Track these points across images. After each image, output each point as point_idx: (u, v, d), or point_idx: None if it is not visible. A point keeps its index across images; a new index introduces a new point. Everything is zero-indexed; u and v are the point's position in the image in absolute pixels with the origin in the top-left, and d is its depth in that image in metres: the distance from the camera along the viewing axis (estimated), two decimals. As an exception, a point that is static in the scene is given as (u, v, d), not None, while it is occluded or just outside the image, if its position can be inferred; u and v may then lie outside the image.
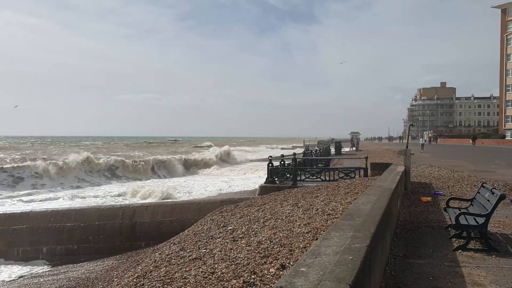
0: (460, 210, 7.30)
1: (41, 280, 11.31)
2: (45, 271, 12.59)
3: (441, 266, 5.46)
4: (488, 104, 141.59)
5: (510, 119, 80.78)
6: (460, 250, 6.18)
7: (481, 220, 6.34)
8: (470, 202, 8.11)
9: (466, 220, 6.55)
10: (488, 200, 6.71)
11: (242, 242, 6.95)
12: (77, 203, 20.63)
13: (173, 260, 7.06)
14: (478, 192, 7.92)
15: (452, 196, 9.99)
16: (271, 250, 5.93)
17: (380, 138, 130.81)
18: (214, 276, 5.33)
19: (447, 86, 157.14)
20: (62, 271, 12.26)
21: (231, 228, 8.70)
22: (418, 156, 29.12)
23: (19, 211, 16.07)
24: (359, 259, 2.98)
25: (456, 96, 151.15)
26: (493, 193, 6.66)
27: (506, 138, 75.35)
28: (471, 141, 63.28)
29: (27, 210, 16.10)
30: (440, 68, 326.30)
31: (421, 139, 59.54)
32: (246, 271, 5.17)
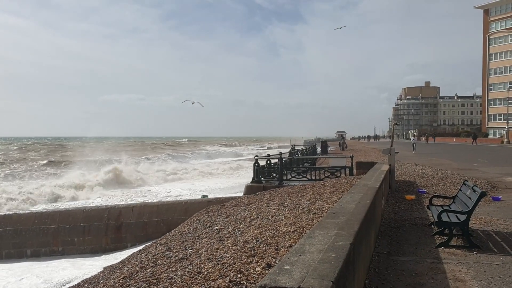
0: (442, 208, 7.42)
1: (25, 282, 11.18)
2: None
3: (424, 263, 5.55)
4: (471, 103, 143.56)
5: (492, 117, 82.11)
6: (442, 247, 6.29)
7: (462, 217, 6.45)
8: (452, 200, 8.25)
9: (448, 217, 6.67)
10: (470, 198, 6.83)
11: (228, 241, 6.98)
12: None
13: (159, 261, 7.06)
14: (460, 189, 8.06)
15: (435, 194, 10.14)
16: (257, 249, 5.97)
17: (368, 137, 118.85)
18: (200, 276, 5.35)
19: (431, 85, 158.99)
20: (47, 271, 12.13)
21: (217, 228, 8.71)
22: (402, 155, 29.44)
23: (2, 214, 15.85)
24: (342, 257, 3.02)
25: (440, 95, 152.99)
26: (474, 191, 6.78)
27: (489, 137, 76.56)
28: (472, 140, 60.87)
29: (11, 213, 15.90)
30: (424, 67, 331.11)
31: (412, 138, 49.51)
32: (233, 271, 5.20)
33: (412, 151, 36.19)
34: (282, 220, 7.81)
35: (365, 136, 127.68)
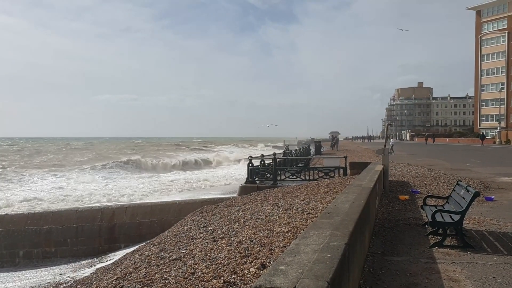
0: (436, 208, 7.44)
1: (17, 284, 11.09)
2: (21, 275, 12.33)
3: (418, 263, 5.56)
4: (464, 104, 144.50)
5: (485, 118, 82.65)
6: (436, 247, 6.31)
7: (456, 217, 6.47)
8: (446, 200, 8.27)
9: (442, 217, 6.69)
10: (463, 198, 6.86)
11: (223, 242, 6.95)
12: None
13: (153, 261, 7.02)
14: (453, 189, 8.08)
15: (429, 194, 10.18)
16: (252, 250, 5.95)
17: (363, 138, 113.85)
18: (194, 276, 5.32)
19: (424, 86, 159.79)
20: (39, 274, 12.03)
21: (211, 228, 8.68)
22: (397, 155, 29.55)
23: (-6, 214, 15.69)
24: (337, 257, 3.02)
25: (433, 96, 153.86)
26: (468, 191, 6.80)
27: (479, 138, 76.98)
28: (480, 140, 59.51)
29: (3, 213, 15.75)
30: (417, 68, 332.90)
31: (391, 140, 45.36)
32: (227, 271, 5.17)
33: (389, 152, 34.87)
34: (276, 220, 7.79)
35: (358, 137, 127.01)
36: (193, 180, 30.45)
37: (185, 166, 46.12)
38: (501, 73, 79.76)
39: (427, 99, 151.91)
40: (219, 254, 6.10)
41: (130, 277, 6.34)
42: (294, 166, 20.23)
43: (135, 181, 30.99)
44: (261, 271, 4.97)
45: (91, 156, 60.26)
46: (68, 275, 11.33)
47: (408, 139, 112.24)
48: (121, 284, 6.08)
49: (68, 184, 28.65)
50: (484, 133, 69.86)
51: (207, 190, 25.43)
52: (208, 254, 6.29)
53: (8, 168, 39.51)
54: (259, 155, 19.16)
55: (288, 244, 5.79)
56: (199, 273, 5.37)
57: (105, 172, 37.29)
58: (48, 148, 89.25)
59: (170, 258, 6.82)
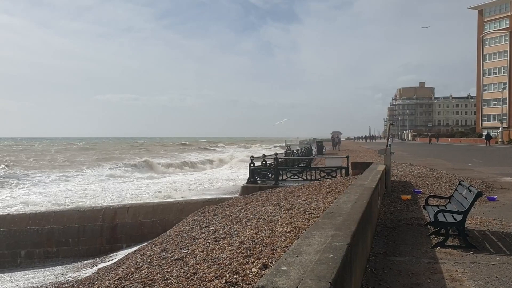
0: (438, 208, 7.42)
1: (19, 284, 11.10)
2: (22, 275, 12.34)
3: (421, 263, 5.54)
4: (466, 104, 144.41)
5: (487, 118, 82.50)
6: (439, 247, 6.29)
7: (458, 217, 6.45)
8: (448, 200, 8.24)
9: (445, 217, 6.66)
10: (466, 198, 6.83)
11: (224, 242, 6.95)
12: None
13: (154, 261, 7.02)
14: (456, 189, 8.06)
15: (431, 194, 10.14)
16: (253, 250, 5.93)
17: (365, 138, 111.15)
18: (196, 276, 5.32)
19: (425, 86, 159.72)
20: (40, 274, 12.04)
21: (213, 228, 8.68)
22: (398, 155, 29.51)
23: (-4, 214, 15.71)
24: (340, 257, 3.00)
25: (435, 95, 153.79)
26: (470, 191, 6.78)
27: (483, 137, 76.81)
28: (485, 141, 57.67)
29: (4, 213, 15.77)
30: (418, 68, 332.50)
31: (390, 139, 44.18)
32: (228, 271, 5.16)
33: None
34: (278, 220, 7.78)
35: (360, 137, 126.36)
36: (198, 180, 30.39)
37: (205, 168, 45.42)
38: (503, 73, 79.61)
39: (429, 99, 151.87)
40: (221, 254, 6.09)
41: (132, 277, 6.34)
42: (296, 166, 20.20)
43: (139, 182, 30.96)
44: (263, 272, 4.96)
45: (96, 156, 60.26)
46: (69, 275, 11.34)
47: (410, 139, 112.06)
48: (122, 284, 6.08)
49: (72, 184, 28.68)
50: (488, 132, 69.41)
51: (209, 190, 25.42)
52: (210, 254, 6.28)
53: (7, 168, 39.49)
54: (261, 155, 19.16)
55: (290, 244, 5.78)
56: (201, 273, 5.37)
57: (108, 171, 37.30)
58: (52, 148, 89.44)
59: (172, 258, 6.82)
